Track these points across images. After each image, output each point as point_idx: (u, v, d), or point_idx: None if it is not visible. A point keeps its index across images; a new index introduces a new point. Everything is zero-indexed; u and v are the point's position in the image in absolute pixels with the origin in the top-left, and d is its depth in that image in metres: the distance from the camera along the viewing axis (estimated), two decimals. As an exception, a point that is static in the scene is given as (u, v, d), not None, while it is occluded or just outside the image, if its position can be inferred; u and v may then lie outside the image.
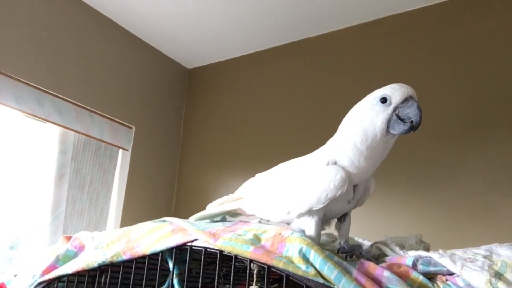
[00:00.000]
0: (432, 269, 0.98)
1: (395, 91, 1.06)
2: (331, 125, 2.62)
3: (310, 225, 1.13)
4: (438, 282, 0.96)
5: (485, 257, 0.99)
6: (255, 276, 1.15)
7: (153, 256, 1.29)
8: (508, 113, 2.19)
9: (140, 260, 1.32)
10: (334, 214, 1.18)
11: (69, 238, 1.53)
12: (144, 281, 1.31)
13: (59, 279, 1.43)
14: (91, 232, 1.58)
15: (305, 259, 0.98)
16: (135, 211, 2.77)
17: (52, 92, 2.44)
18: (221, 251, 1.12)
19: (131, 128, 2.92)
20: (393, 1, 2.55)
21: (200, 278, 1.22)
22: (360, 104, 1.13)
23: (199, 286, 1.22)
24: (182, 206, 3.15)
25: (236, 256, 1.09)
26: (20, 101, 2.28)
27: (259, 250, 1.04)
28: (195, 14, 2.78)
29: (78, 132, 2.56)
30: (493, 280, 0.84)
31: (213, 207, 1.42)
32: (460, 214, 2.18)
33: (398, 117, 1.04)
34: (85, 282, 1.42)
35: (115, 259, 1.30)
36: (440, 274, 0.98)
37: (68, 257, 1.46)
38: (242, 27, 2.90)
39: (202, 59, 3.39)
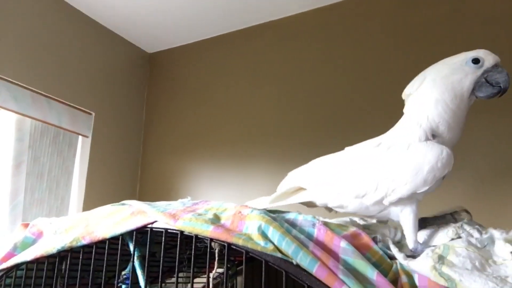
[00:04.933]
0: (389, 252, 1.01)
1: (487, 55, 1.06)
2: (296, 106, 2.66)
3: (408, 218, 1.05)
4: (397, 261, 0.98)
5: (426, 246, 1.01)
6: (216, 255, 1.17)
7: (114, 241, 1.28)
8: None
9: (100, 245, 1.30)
10: (424, 195, 1.09)
11: (27, 225, 1.49)
12: (105, 267, 1.29)
13: (17, 266, 1.40)
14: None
15: (264, 235, 1.00)
16: (98, 199, 2.72)
17: (6, 78, 2.34)
18: (181, 232, 1.13)
19: (90, 114, 2.85)
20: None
21: (161, 260, 1.22)
22: (442, 66, 1.11)
23: (161, 269, 1.22)
24: (147, 193, 3.12)
25: (196, 236, 1.10)
26: (-29, 87, 2.18)
27: (219, 228, 1.05)
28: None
29: (35, 119, 2.48)
30: (437, 265, 0.85)
31: (274, 201, 1.28)
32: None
33: (486, 80, 1.05)
34: (45, 269, 1.40)
35: (74, 244, 1.28)
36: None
37: (27, 244, 1.43)
38: (204, 10, 2.86)
39: (163, 43, 3.33)
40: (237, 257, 1.94)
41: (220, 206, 1.18)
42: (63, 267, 1.42)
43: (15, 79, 2.39)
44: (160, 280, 1.26)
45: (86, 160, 2.77)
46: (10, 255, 1.42)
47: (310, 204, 1.25)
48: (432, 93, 1.07)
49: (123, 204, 1.33)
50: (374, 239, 0.99)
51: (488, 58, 1.05)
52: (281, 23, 2.92)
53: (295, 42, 2.83)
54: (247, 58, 3.00)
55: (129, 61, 3.25)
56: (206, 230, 1.06)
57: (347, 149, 1.21)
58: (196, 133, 3.06)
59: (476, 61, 1.05)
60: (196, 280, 1.69)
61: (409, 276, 0.89)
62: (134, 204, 1.29)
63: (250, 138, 2.82)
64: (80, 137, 2.79)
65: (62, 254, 1.36)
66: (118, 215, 1.26)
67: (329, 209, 1.25)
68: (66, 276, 1.39)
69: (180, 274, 1.71)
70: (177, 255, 1.19)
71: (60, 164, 2.64)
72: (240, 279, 2.12)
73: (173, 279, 1.74)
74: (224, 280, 1.18)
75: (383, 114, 2.38)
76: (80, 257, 1.31)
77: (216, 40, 3.17)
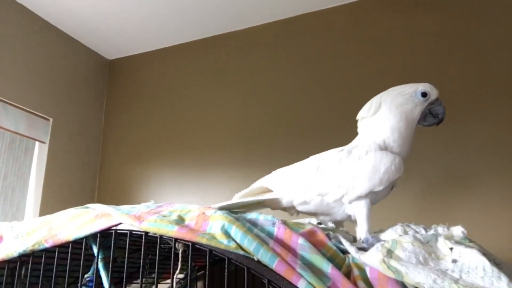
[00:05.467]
0: (341, 246, 1.09)
1: (432, 90, 1.23)
2: (257, 114, 2.73)
3: (363, 210, 1.18)
4: (349, 255, 1.05)
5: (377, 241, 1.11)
6: (180, 256, 1.20)
7: (76, 246, 1.28)
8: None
9: (62, 250, 1.30)
10: (376, 201, 1.24)
11: (-16, 230, 1.47)
12: (68, 271, 1.29)
13: (-25, 272, 1.38)
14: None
15: (227, 234, 1.05)
16: (55, 206, 2.67)
17: (-41, 82, 2.29)
18: (146, 233, 1.16)
19: (48, 120, 2.81)
20: (311, -1, 2.69)
21: (125, 262, 1.24)
22: (396, 95, 1.26)
23: (125, 271, 1.24)
24: (105, 200, 3.09)
25: (161, 237, 1.13)
26: None
27: (183, 229, 1.09)
28: (116, 3, 2.73)
29: (-10, 124, 2.43)
30: (386, 259, 0.94)
31: (241, 198, 1.35)
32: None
33: (429, 111, 1.24)
34: (5, 274, 1.38)
35: (36, 248, 1.28)
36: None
37: (-15, 249, 1.41)
38: (165, 19, 2.89)
39: (124, 50, 3.33)
40: (198, 262, 1.97)
41: (184, 207, 1.22)
42: (23, 272, 1.42)
43: (-31, 83, 2.34)
44: (124, 283, 1.28)
45: (43, 166, 2.73)
46: (-33, 260, 1.40)
47: (274, 205, 1.32)
48: (389, 121, 1.24)
49: (86, 207, 1.35)
50: (328, 236, 1.06)
51: (433, 92, 1.23)
52: (242, 34, 2.99)
53: (257, 52, 2.91)
54: (208, 67, 3.05)
55: (88, 67, 3.22)
56: (171, 231, 1.09)
57: (312, 157, 1.32)
58: (156, 140, 3.07)
59: (424, 94, 1.23)
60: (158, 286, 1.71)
61: (361, 269, 0.97)
62: (98, 207, 1.31)
63: (212, 144, 2.86)
64: (37, 143, 2.75)
65: (23, 259, 1.36)
66: (82, 218, 1.27)
67: (291, 212, 1.34)
68: (28, 281, 1.39)
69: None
70: (142, 257, 1.22)
71: (16, 170, 2.59)
72: (200, 284, 2.15)
73: (133, 285, 1.75)
74: (188, 281, 1.22)
75: (343, 123, 2.47)
76: (42, 262, 1.31)
77: (178, 48, 3.21)
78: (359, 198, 1.18)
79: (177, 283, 1.73)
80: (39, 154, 2.75)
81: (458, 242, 0.97)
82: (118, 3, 2.73)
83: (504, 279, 0.82)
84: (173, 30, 3.03)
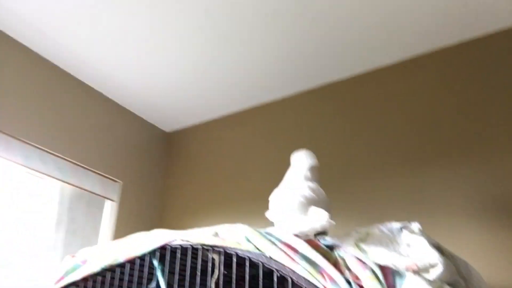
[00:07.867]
0: (330, 243, 1.45)
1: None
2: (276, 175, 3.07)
3: None
4: (335, 251, 1.41)
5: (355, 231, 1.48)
6: (217, 263, 1.58)
7: (141, 263, 1.71)
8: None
9: (131, 267, 1.73)
10: None
11: (73, 256, 1.94)
12: (136, 281, 1.72)
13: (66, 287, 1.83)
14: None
15: (248, 240, 1.44)
16: (122, 255, 3.14)
17: (53, 153, 2.90)
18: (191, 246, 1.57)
19: (118, 182, 3.37)
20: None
21: (177, 272, 1.63)
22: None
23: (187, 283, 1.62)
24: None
25: (202, 246, 1.54)
26: (27, 160, 2.74)
27: (218, 239, 1.50)
28: (170, 83, 3.24)
29: (74, 186, 3.00)
30: (357, 243, 1.31)
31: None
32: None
33: None
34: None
35: (113, 263, 1.72)
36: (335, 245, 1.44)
37: (75, 269, 1.87)
38: (217, 91, 3.32)
39: (180, 123, 3.87)
40: None
41: (215, 227, 1.62)
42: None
43: (59, 153, 2.95)
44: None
45: (113, 221, 3.24)
46: (61, 278, 1.86)
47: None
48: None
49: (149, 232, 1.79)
50: (319, 240, 1.43)
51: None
52: (295, 99, 3.31)
53: (305, 119, 3.23)
54: (261, 133, 3.35)
55: (149, 139, 3.82)
56: (208, 239, 1.50)
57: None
58: (212, 201, 3.41)
59: None
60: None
61: (343, 260, 1.33)
62: (159, 231, 1.74)
63: (264, 207, 3.05)
64: (109, 201, 3.29)
65: (95, 279, 1.79)
66: (145, 238, 1.71)
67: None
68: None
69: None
70: (187, 265, 1.61)
71: (91, 224, 3.11)
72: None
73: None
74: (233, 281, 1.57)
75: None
76: (117, 274, 1.75)
77: (229, 118, 3.62)
78: None
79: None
80: (110, 211, 3.28)
81: (416, 234, 1.32)
82: (173, 82, 3.28)
83: (436, 254, 1.16)
84: (225, 100, 3.46)
